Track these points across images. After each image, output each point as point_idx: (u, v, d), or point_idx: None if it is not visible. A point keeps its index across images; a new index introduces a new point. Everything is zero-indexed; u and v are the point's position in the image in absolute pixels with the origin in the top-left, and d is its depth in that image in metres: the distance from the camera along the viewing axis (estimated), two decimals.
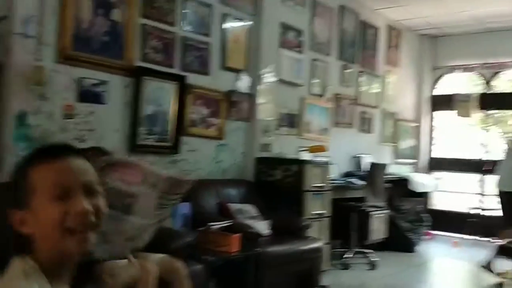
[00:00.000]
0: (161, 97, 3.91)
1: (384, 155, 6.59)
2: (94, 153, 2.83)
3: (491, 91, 7.42)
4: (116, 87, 3.59)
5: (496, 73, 7.39)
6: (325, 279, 4.11)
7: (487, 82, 7.45)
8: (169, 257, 2.79)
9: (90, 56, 3.41)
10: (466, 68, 7.53)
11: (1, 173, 2.95)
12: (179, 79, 4.00)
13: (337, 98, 5.90)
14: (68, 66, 3.28)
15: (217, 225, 3.44)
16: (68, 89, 3.31)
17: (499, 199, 5.42)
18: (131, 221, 2.64)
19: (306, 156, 4.85)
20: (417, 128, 7.69)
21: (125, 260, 2.63)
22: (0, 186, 2.96)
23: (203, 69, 4.26)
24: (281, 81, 4.95)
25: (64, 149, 1.03)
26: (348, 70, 6.06)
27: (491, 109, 7.48)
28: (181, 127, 4.04)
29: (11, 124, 3.01)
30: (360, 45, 6.30)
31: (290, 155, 4.89)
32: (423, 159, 7.78)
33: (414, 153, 7.58)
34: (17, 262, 0.97)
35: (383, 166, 5.48)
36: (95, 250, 2.57)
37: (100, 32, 3.48)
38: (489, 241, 5.85)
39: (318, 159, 4.72)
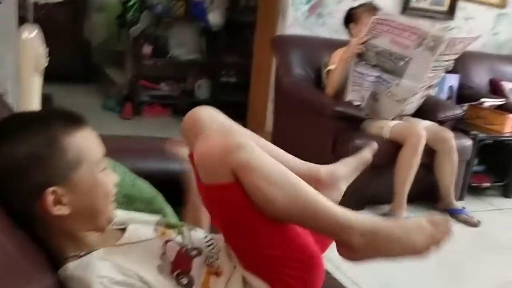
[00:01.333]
0: None
1: None
2: (368, 10, 2.77)
3: None
4: None
5: None
6: None
7: None
8: (438, 126, 2.72)
9: None
10: None
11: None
12: None
13: None
14: None
15: (489, 101, 3.17)
16: None
17: None
18: (402, 84, 2.58)
19: None
20: None
21: (392, 121, 2.67)
22: None
23: None
24: None
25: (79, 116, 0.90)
26: None
27: None
28: None
29: None
30: None
31: None
32: None
33: None
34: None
35: None
36: (364, 108, 2.65)
37: None
38: None
39: None
